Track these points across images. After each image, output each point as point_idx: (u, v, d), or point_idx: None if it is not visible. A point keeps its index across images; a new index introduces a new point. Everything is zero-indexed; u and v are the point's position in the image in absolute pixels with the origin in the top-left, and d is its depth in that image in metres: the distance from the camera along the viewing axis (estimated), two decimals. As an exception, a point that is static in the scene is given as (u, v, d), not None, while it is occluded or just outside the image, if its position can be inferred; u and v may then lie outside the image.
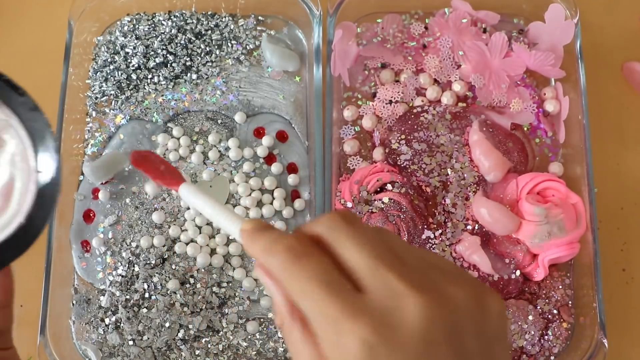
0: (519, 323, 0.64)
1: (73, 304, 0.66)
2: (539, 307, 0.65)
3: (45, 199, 0.43)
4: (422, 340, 0.33)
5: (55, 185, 0.43)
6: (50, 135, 0.43)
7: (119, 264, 0.66)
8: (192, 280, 0.66)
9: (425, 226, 0.66)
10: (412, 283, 0.34)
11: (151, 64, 0.71)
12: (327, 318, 0.34)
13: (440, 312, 0.34)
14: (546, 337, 0.64)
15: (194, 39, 0.73)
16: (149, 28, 0.73)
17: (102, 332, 0.64)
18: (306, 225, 0.38)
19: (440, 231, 0.65)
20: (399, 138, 0.68)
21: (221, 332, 0.65)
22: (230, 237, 0.67)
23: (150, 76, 0.72)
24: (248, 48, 0.73)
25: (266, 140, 0.70)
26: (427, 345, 0.33)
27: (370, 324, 0.33)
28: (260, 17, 0.75)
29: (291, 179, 0.69)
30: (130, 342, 0.63)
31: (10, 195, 0.43)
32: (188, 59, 0.72)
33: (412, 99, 0.71)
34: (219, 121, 0.71)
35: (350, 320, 0.33)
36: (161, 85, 0.72)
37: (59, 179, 0.43)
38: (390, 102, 0.70)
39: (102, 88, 0.71)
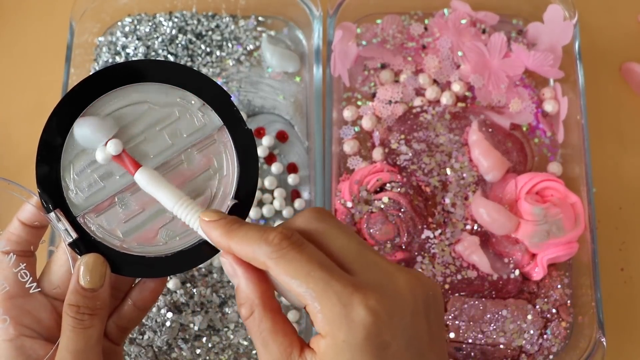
0: (518, 322, 0.64)
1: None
2: (537, 307, 0.65)
3: None
4: (409, 310, 0.39)
5: (244, 216, 0.46)
6: (255, 173, 0.47)
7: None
8: (192, 280, 0.66)
9: (425, 226, 0.66)
10: (395, 265, 0.40)
11: (152, 64, 0.72)
12: (333, 294, 0.37)
13: (420, 288, 0.40)
14: (545, 336, 0.64)
15: (194, 39, 0.73)
16: (149, 29, 0.73)
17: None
18: (289, 220, 0.42)
19: (439, 231, 0.66)
20: (399, 138, 0.69)
21: (222, 332, 0.65)
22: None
23: (151, 76, 0.72)
24: (248, 49, 0.74)
25: (266, 140, 0.70)
26: (412, 314, 0.39)
27: (373, 294, 0.37)
28: (260, 18, 0.75)
29: (291, 178, 0.70)
30: (131, 341, 0.64)
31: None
32: (189, 59, 0.72)
33: (411, 99, 0.71)
34: (220, 121, 0.71)
35: (356, 293, 0.37)
36: (162, 85, 0.72)
37: (249, 210, 0.47)
38: (390, 102, 0.71)
39: (103, 88, 0.72)
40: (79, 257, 0.45)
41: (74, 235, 0.45)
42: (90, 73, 0.71)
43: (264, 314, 0.40)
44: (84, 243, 0.45)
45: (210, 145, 0.47)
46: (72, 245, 0.45)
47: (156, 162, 0.46)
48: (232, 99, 0.48)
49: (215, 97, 0.47)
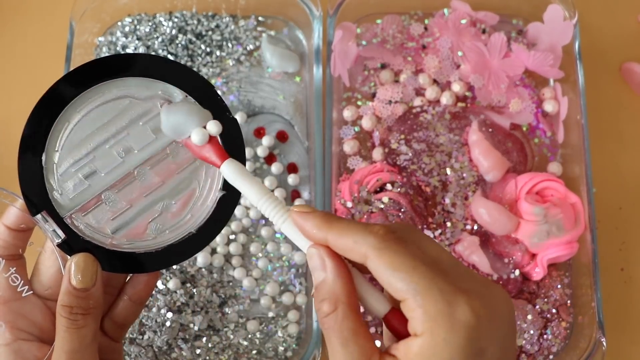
0: (518, 322, 0.64)
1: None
2: (537, 307, 0.65)
3: (219, 216, 0.46)
4: (506, 321, 0.38)
5: (232, 206, 0.46)
6: (242, 162, 0.46)
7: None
8: (192, 280, 0.66)
9: (425, 226, 0.66)
10: (488, 279, 0.40)
11: (152, 64, 0.72)
12: (438, 291, 0.36)
13: (512, 303, 0.39)
14: (545, 336, 0.64)
15: (194, 39, 0.73)
16: (149, 29, 0.73)
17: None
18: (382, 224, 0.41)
19: (439, 231, 0.66)
20: (399, 138, 0.69)
21: (222, 332, 0.65)
22: (230, 237, 0.68)
23: (151, 76, 0.72)
24: (248, 49, 0.74)
25: (266, 140, 0.70)
26: (508, 325, 0.38)
27: (477, 297, 0.37)
28: (260, 18, 0.75)
29: (291, 178, 0.70)
30: (131, 341, 0.64)
31: (188, 204, 0.47)
32: (189, 59, 0.72)
33: (411, 99, 0.71)
34: (220, 121, 0.71)
35: (461, 293, 0.36)
36: (162, 85, 0.72)
37: (238, 200, 0.47)
38: (390, 102, 0.70)
39: (103, 88, 0.72)
40: (68, 257, 0.45)
41: (62, 235, 0.45)
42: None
43: (349, 312, 0.38)
44: (72, 243, 0.45)
45: None
46: (61, 245, 0.45)
47: (141, 157, 0.46)
48: (214, 88, 0.47)
49: (197, 88, 0.47)
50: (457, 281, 0.37)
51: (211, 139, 0.45)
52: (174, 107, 0.45)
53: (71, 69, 0.69)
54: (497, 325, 0.37)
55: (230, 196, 0.47)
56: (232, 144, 0.46)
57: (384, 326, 0.41)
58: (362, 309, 0.40)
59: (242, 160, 0.47)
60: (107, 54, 0.73)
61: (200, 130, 0.44)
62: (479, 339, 0.36)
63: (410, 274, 0.37)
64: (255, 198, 0.43)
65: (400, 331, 0.39)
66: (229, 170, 0.44)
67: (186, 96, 0.47)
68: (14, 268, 0.46)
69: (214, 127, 0.45)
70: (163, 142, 0.46)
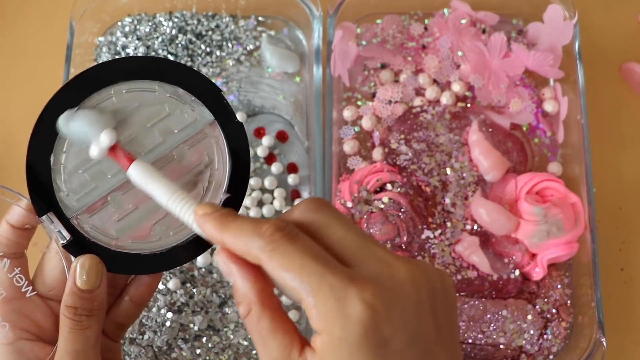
0: (518, 322, 0.64)
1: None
2: (537, 307, 0.65)
3: None
4: (412, 302, 0.36)
5: (237, 209, 0.46)
6: (247, 166, 0.46)
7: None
8: (192, 280, 0.66)
9: (425, 226, 0.66)
10: (396, 256, 0.37)
11: (152, 64, 0.72)
12: (327, 287, 0.35)
13: (423, 280, 0.37)
14: (545, 336, 0.64)
15: (194, 39, 0.73)
16: (149, 29, 0.73)
17: (103, 331, 0.65)
18: (287, 212, 0.40)
19: (439, 231, 0.66)
20: (399, 138, 0.69)
21: (222, 332, 0.65)
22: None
23: (151, 76, 0.72)
24: (248, 49, 0.74)
25: (266, 140, 0.70)
26: (416, 305, 0.36)
27: (370, 287, 0.35)
28: (260, 18, 0.75)
29: (291, 178, 0.70)
30: (131, 341, 0.64)
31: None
32: (189, 59, 0.72)
33: (411, 99, 0.71)
34: (220, 121, 0.71)
35: (352, 286, 0.35)
36: (162, 85, 0.72)
37: (242, 203, 0.47)
38: (390, 102, 0.71)
39: (103, 88, 0.72)
40: (72, 258, 0.45)
41: (68, 236, 0.45)
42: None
43: (262, 312, 0.38)
44: (78, 244, 0.45)
45: (202, 140, 0.47)
46: (67, 246, 0.45)
47: (147, 160, 0.46)
48: (222, 92, 0.47)
49: (205, 91, 0.47)
50: (356, 268, 0.36)
51: (113, 146, 0.44)
52: (73, 119, 0.44)
53: (71, 69, 0.69)
54: (400, 311, 0.35)
55: (234, 199, 0.47)
56: (237, 150, 0.46)
57: None
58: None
59: (246, 165, 0.47)
60: (107, 54, 0.73)
61: (97, 146, 0.44)
62: (378, 330, 0.35)
63: (300, 273, 0.36)
64: (164, 198, 0.42)
65: None
66: (135, 173, 0.43)
67: (193, 99, 0.47)
68: (19, 268, 0.46)
69: (106, 140, 0.44)
70: (170, 144, 0.46)
